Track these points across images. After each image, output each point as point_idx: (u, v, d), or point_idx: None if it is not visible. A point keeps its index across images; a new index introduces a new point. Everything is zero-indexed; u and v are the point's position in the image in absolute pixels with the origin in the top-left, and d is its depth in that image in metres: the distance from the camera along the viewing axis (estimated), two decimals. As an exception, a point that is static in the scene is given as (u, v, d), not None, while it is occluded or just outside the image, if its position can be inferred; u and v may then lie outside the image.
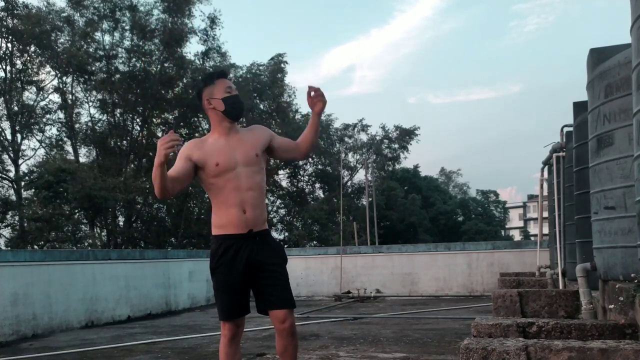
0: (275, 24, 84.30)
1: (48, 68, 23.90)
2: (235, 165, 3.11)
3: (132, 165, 25.34)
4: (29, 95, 23.63)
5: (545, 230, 11.22)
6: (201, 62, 26.03)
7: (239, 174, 3.11)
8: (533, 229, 62.21)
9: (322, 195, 31.01)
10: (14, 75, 22.88)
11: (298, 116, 29.33)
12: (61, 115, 24.49)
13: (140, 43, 24.25)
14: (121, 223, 24.18)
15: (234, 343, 3.20)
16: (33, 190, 21.15)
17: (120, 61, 24.46)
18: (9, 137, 22.86)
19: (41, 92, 23.85)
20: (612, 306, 3.88)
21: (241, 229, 3.11)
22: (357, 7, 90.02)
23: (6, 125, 22.64)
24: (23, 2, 22.31)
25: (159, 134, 26.69)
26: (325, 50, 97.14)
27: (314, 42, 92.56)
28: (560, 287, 6.79)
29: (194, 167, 3.11)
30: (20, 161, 22.93)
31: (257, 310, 3.21)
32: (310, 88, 3.15)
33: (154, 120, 26.11)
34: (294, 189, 31.14)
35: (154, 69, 24.56)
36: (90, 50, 23.95)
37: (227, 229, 3.13)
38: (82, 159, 24.83)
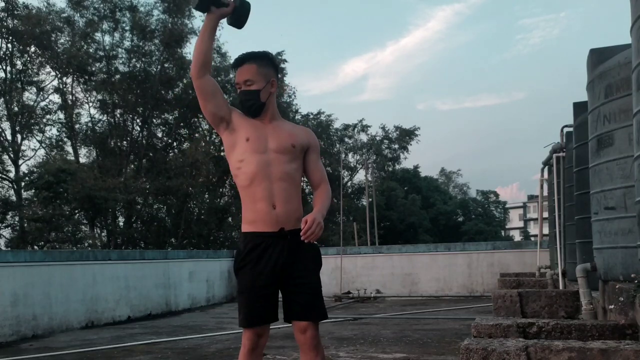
0: (276, 24, 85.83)
1: (48, 68, 23.90)
2: (265, 149, 2.82)
3: (132, 166, 25.32)
4: (29, 95, 23.64)
5: (546, 230, 11.22)
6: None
7: (268, 160, 2.80)
8: (533, 229, 62.20)
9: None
10: (14, 76, 22.86)
11: (298, 116, 29.34)
12: (61, 115, 24.47)
13: (141, 43, 24.24)
14: (121, 223, 24.16)
15: (253, 355, 2.82)
16: (33, 190, 21.14)
17: (121, 61, 24.47)
18: (9, 137, 22.84)
19: (41, 93, 23.84)
20: (612, 306, 3.88)
21: (271, 226, 2.78)
22: (375, 21, 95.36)
23: (6, 125, 22.63)
24: (23, 3, 22.30)
25: (159, 134, 26.73)
26: (342, 61, 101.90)
27: (333, 53, 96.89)
28: (561, 288, 6.79)
29: (226, 111, 2.85)
30: (20, 161, 22.91)
31: (284, 319, 2.85)
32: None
33: (154, 120, 26.11)
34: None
35: (154, 69, 24.55)
36: (91, 50, 23.94)
37: (255, 225, 2.81)
38: (82, 160, 24.83)
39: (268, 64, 2.93)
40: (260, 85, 2.86)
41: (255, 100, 2.87)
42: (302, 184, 3.05)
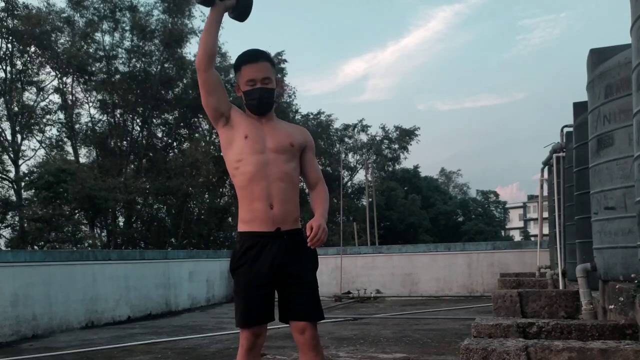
0: (277, 25, 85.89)
1: (48, 68, 23.88)
2: (263, 149, 2.81)
3: (132, 166, 25.32)
4: (29, 95, 23.62)
5: (546, 230, 11.22)
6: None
7: (266, 160, 2.80)
8: (533, 229, 62.21)
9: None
10: (14, 76, 22.85)
11: (298, 116, 29.33)
12: (61, 115, 24.47)
13: (141, 43, 24.23)
14: (121, 223, 24.16)
15: (251, 355, 2.82)
16: (33, 190, 21.11)
17: (121, 62, 24.47)
18: (9, 137, 22.83)
19: (41, 93, 23.82)
20: (612, 306, 3.89)
21: (267, 226, 2.78)
22: (375, 21, 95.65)
23: (6, 125, 22.61)
24: (23, 3, 22.29)
25: (159, 134, 26.73)
26: (343, 61, 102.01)
27: (333, 53, 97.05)
28: (561, 288, 6.80)
29: (227, 106, 2.84)
30: (20, 161, 22.90)
31: (279, 319, 2.85)
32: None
33: (154, 120, 26.10)
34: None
35: (154, 69, 24.55)
36: (91, 50, 23.94)
37: (251, 225, 2.81)
38: (82, 160, 24.82)
39: (274, 65, 2.99)
40: (274, 84, 2.91)
41: (271, 99, 2.92)
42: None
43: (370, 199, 24.63)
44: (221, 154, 3.01)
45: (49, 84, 24.07)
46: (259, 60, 2.87)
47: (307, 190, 3.26)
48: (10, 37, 22.15)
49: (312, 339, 2.78)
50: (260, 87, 2.85)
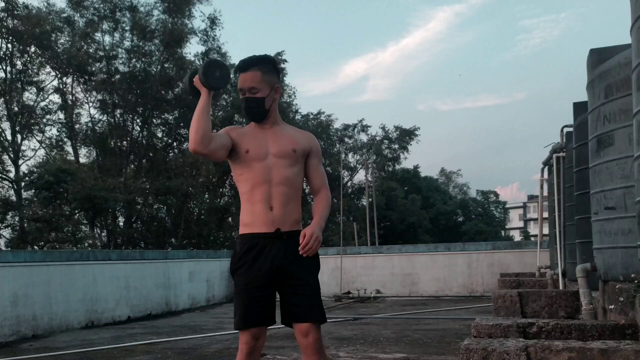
0: (277, 25, 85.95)
1: (48, 69, 23.88)
2: (266, 155, 2.83)
3: (132, 166, 25.32)
4: (29, 95, 23.61)
5: (546, 230, 11.22)
6: (201, 62, 26.05)
7: (269, 166, 2.82)
8: (533, 229, 62.19)
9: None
10: (14, 76, 22.84)
11: (298, 116, 29.34)
12: (61, 115, 24.47)
13: (141, 43, 24.23)
14: (121, 223, 24.15)
15: (251, 359, 2.80)
16: (33, 190, 21.12)
17: (121, 62, 24.46)
18: (9, 137, 22.81)
19: (41, 93, 23.81)
20: (612, 306, 3.88)
21: (267, 227, 2.78)
22: (376, 22, 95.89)
23: (6, 125, 22.60)
24: (23, 3, 22.30)
25: (159, 134, 26.72)
26: (343, 61, 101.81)
27: (333, 53, 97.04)
28: (561, 288, 6.80)
29: (231, 141, 2.85)
30: (20, 162, 22.89)
31: (281, 321, 2.84)
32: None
33: (154, 120, 26.10)
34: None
35: (154, 69, 24.55)
36: (91, 50, 23.94)
37: (252, 227, 2.81)
38: (82, 160, 24.83)
39: (272, 70, 2.93)
40: (265, 92, 2.86)
41: (260, 108, 2.88)
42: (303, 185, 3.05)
43: (370, 199, 24.62)
44: None
45: (49, 84, 24.09)
46: (248, 69, 2.86)
47: (307, 190, 3.26)
48: (10, 37, 22.13)
49: (316, 342, 2.74)
50: (247, 97, 2.86)
